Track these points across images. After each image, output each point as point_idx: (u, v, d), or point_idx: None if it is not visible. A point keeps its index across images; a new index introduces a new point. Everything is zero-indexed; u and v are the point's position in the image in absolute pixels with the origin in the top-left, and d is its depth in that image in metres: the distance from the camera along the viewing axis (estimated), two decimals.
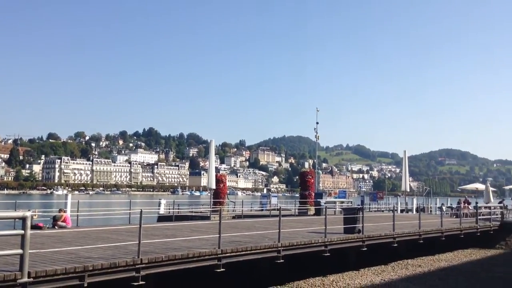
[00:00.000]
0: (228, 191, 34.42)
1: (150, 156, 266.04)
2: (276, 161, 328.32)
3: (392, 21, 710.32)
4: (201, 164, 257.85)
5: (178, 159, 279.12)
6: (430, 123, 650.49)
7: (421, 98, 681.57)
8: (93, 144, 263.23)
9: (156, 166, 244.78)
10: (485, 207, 29.01)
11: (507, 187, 68.45)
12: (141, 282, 9.33)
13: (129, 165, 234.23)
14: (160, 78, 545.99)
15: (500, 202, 34.59)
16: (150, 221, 23.22)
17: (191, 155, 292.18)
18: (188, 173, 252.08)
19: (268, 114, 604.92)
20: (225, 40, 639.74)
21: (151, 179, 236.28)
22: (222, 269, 10.96)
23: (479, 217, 24.38)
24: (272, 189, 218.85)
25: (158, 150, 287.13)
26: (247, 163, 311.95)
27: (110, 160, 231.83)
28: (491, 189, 38.90)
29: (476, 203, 28.87)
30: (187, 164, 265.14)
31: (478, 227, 23.16)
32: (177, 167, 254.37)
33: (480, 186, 41.37)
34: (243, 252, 11.56)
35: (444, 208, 31.69)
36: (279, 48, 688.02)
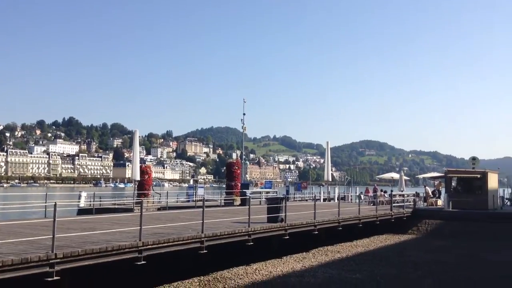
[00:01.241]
0: (153, 183, 33.73)
1: (70, 147, 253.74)
2: (204, 152, 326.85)
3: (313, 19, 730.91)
4: (126, 155, 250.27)
5: (101, 150, 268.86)
6: (352, 116, 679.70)
7: (343, 92, 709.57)
8: (7, 134, 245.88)
9: (77, 158, 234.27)
10: (399, 195, 30.86)
11: (421, 176, 73.21)
12: (55, 278, 8.90)
13: (47, 156, 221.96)
14: (81, 64, 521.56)
15: (416, 193, 36.90)
16: (69, 215, 22.23)
17: (115, 146, 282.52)
18: (112, 164, 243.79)
19: (196, 104, 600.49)
20: (153, 29, 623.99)
21: (72, 171, 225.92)
22: (143, 262, 10.73)
23: (393, 205, 25.91)
24: (199, 180, 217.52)
25: (80, 140, 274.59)
26: (175, 154, 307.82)
27: (27, 151, 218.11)
28: (405, 178, 41.47)
29: (391, 191, 30.59)
30: (110, 155, 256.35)
31: (393, 214, 24.60)
32: (100, 159, 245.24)
33: (396, 175, 43.82)
34: (165, 244, 11.39)
35: (362, 196, 33.28)
36: (208, 39, 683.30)
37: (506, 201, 38.04)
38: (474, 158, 32.11)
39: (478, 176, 28.11)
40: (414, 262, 16.56)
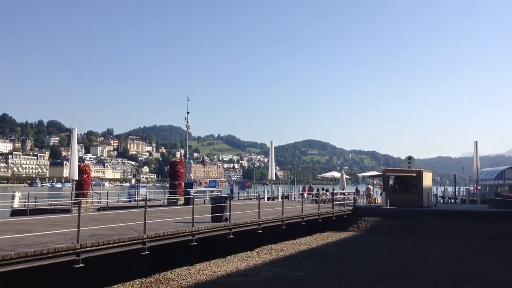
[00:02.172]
0: (93, 182, 32.58)
1: (3, 145, 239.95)
2: (147, 151, 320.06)
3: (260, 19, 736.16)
4: (64, 153, 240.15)
5: (37, 149, 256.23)
6: (296, 116, 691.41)
7: (287, 92, 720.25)
8: None
9: (10, 156, 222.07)
10: (341, 194, 31.71)
11: (360, 175, 75.57)
12: None
13: None
14: (15, 58, 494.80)
15: (356, 189, 38.11)
16: (2, 216, 21.04)
17: (52, 144, 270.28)
18: (48, 163, 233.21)
19: (138, 102, 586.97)
20: (92, 22, 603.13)
21: (5, 170, 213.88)
22: (81, 265, 10.31)
23: (335, 203, 26.57)
24: (142, 180, 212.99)
25: (13, 138, 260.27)
26: (116, 152, 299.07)
27: None
28: (346, 176, 42.65)
29: (333, 189, 31.37)
30: (47, 154, 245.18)
31: (334, 212, 25.21)
32: (36, 157, 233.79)
33: (337, 174, 44.99)
34: (105, 246, 11.01)
35: (305, 194, 33.86)
36: (150, 34, 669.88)
37: (439, 198, 40.10)
38: (410, 158, 33.56)
39: (414, 174, 29.39)
40: (354, 258, 17.05)
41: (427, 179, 30.36)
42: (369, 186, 36.95)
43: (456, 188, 46.42)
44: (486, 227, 23.71)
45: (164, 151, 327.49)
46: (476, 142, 35.85)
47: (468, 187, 46.88)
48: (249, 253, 17.67)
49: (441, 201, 41.50)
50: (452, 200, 43.64)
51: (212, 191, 34.58)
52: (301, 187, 42.47)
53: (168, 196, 29.23)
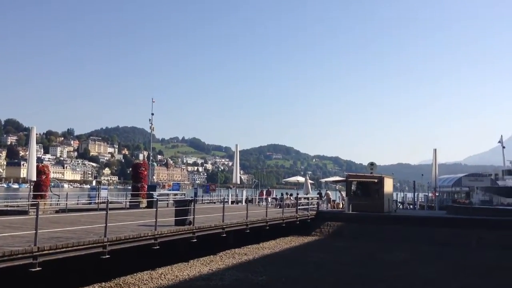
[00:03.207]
0: (51, 183, 31.56)
1: None
2: (109, 152, 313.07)
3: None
4: (21, 153, 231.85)
5: None
6: (261, 120, 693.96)
7: (252, 96, 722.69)
8: None
9: None
10: (304, 198, 31.97)
11: (323, 180, 76.37)
12: None
13: None
14: None
15: (318, 193, 38.53)
16: None
17: (9, 143, 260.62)
18: (5, 163, 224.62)
19: (100, 102, 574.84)
20: (53, 22, 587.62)
21: None
22: (38, 268, 9.94)
23: (299, 207, 26.75)
24: (103, 181, 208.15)
25: None
26: (76, 153, 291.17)
27: None
28: (309, 181, 43.06)
29: (297, 194, 31.58)
30: (4, 153, 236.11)
31: (298, 216, 25.37)
32: None
33: (301, 179, 45.32)
34: (64, 249, 10.65)
35: (269, 199, 33.96)
36: (116, 35, 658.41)
37: (399, 204, 41.04)
38: (372, 164, 34.23)
39: (376, 180, 29.95)
40: (317, 262, 17.20)
41: (388, 185, 31.02)
42: (328, 191, 37.42)
43: (415, 194, 47.67)
44: (444, 233, 24.40)
45: (127, 152, 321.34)
46: (435, 150, 36.92)
47: (426, 194, 48.24)
48: (212, 257, 17.53)
49: (401, 207, 42.48)
50: (411, 206, 44.78)
51: (175, 194, 34.20)
52: (258, 192, 42.56)
53: (130, 199, 28.62)
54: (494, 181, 44.16)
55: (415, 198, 47.06)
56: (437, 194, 41.37)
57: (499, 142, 54.11)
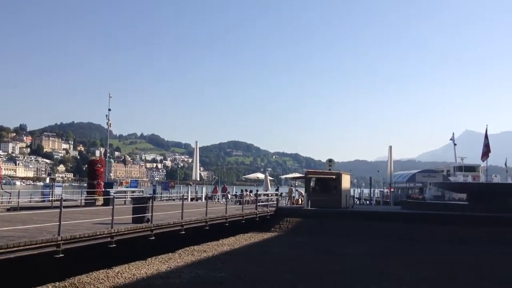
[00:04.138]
0: (3, 181, 30.28)
1: None
2: (63, 149, 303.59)
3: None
4: None
5: None
6: (221, 117, 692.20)
7: (213, 92, 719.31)
8: None
9: None
10: (264, 195, 32.11)
11: (283, 176, 77.13)
12: None
13: None
14: None
15: (276, 190, 38.81)
16: None
17: None
18: None
19: (54, 97, 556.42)
20: (8, 13, 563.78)
21: None
22: None
23: (258, 204, 26.85)
24: (57, 179, 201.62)
25: None
26: (29, 149, 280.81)
27: None
28: (269, 178, 43.30)
29: (257, 191, 31.69)
30: None
31: (257, 213, 25.47)
32: None
33: (261, 176, 45.51)
34: (15, 248, 10.24)
35: (229, 196, 33.92)
36: (70, 26, 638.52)
37: (356, 200, 41.96)
38: (330, 160, 34.81)
39: (334, 177, 30.48)
40: (276, 258, 17.33)
41: (346, 182, 31.63)
42: (292, 187, 37.77)
43: (372, 190, 48.82)
44: (398, 227, 25.13)
45: (83, 149, 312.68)
46: (390, 147, 37.98)
47: (382, 189, 49.51)
48: (171, 254, 17.34)
49: (358, 202, 43.43)
50: (368, 202, 45.86)
51: (133, 192, 33.62)
52: (212, 189, 42.46)
53: (86, 196, 27.87)
54: (446, 177, 45.85)
55: (372, 194, 48.23)
56: (392, 190, 42.58)
57: (451, 139, 56.25)
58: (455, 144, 54.80)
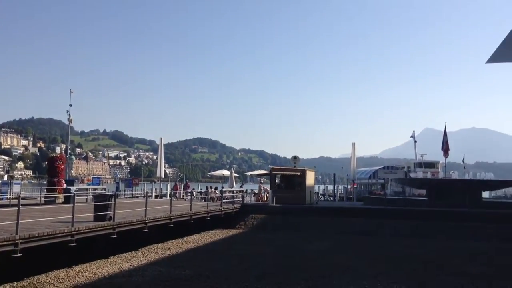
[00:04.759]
0: None
1: None
2: (22, 145, 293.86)
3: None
4: None
5: None
6: (186, 113, 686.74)
7: (178, 89, 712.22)
8: None
9: None
10: (229, 191, 32.10)
11: (248, 173, 77.27)
12: None
13: None
14: None
15: (241, 186, 38.87)
16: None
17: None
18: None
19: (13, 92, 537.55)
20: None
21: None
22: None
23: (224, 201, 26.83)
24: (16, 176, 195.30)
25: None
26: None
27: None
28: (235, 175, 43.34)
29: (222, 187, 31.66)
30: None
31: (223, 209, 25.44)
32: None
33: (226, 172, 45.51)
34: None
35: (194, 192, 33.75)
36: (31, 23, 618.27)
37: (321, 196, 42.55)
38: (295, 157, 35.09)
39: (299, 173, 30.79)
40: (241, 255, 17.35)
41: (310, 178, 32.00)
42: (261, 185, 37.89)
43: (336, 186, 49.61)
44: (360, 223, 25.64)
45: (43, 145, 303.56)
46: (354, 144, 38.65)
47: (346, 186, 50.42)
48: (134, 253, 17.09)
49: (322, 198, 44.05)
50: (332, 198, 46.61)
51: (95, 189, 33.01)
52: (172, 185, 42.14)
53: (46, 194, 27.12)
54: (406, 173, 47.09)
55: (335, 190, 49.01)
56: (355, 186, 43.38)
57: (412, 136, 57.80)
58: (415, 141, 56.37)
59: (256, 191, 36.30)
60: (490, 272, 14.79)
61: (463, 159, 60.71)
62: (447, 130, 39.76)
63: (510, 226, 23.54)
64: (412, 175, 48.52)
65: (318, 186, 47.99)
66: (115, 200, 15.88)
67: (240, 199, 30.44)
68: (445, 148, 38.96)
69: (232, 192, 32.57)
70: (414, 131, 57.42)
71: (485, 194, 35.59)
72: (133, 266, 14.64)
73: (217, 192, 31.73)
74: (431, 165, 52.58)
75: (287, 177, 31.35)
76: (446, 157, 40.01)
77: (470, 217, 24.77)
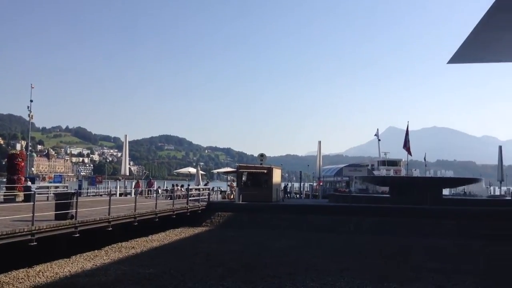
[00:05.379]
0: None
1: None
2: None
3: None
4: None
5: None
6: (153, 110, 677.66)
7: (143, 85, 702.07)
8: None
9: None
10: (196, 189, 31.91)
11: (215, 171, 77.02)
12: None
13: None
14: None
15: (205, 184, 38.68)
16: None
17: None
18: None
19: None
20: None
21: None
22: None
23: (190, 198, 26.65)
24: None
25: None
26: None
27: None
28: (201, 172, 43.09)
29: (188, 185, 31.42)
30: None
31: (189, 207, 25.27)
32: None
33: (193, 170, 45.17)
34: None
35: (160, 190, 33.38)
36: None
37: (287, 194, 42.83)
38: (262, 155, 35.23)
39: (265, 171, 30.91)
40: (206, 253, 17.30)
41: (276, 176, 32.20)
42: (233, 183, 37.77)
43: (302, 184, 50.09)
44: (326, 220, 25.98)
45: (2, 142, 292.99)
46: (320, 142, 39.12)
47: (311, 183, 50.96)
48: (96, 252, 16.80)
49: (288, 196, 44.37)
50: (298, 196, 47.02)
51: (57, 187, 32.19)
52: (155, 183, 41.70)
53: (5, 192, 26.21)
54: (370, 171, 48.06)
55: (301, 187, 49.47)
56: (321, 183, 43.94)
57: (375, 135, 58.96)
58: (379, 140, 57.55)
59: (223, 189, 36.25)
60: (449, 266, 15.29)
61: (425, 157, 62.37)
62: (409, 129, 40.76)
63: (469, 222, 24.36)
64: (376, 173, 49.54)
65: (285, 184, 48.31)
66: (77, 198, 15.52)
67: (207, 197, 30.31)
68: (407, 147, 39.96)
69: (199, 190, 32.39)
70: (378, 129, 58.64)
71: (445, 191, 36.76)
72: (96, 265, 14.37)
73: (183, 190, 31.46)
74: (394, 163, 53.83)
75: (254, 175, 31.43)
76: (409, 155, 41.06)
77: (430, 213, 25.51)
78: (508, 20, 18.07)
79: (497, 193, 45.27)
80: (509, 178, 54.25)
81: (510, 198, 35.78)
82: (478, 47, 22.37)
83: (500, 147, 43.08)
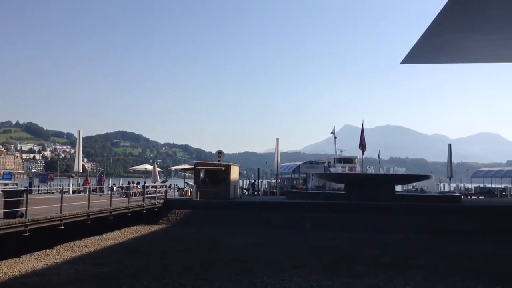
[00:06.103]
0: None
1: None
2: None
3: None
4: None
5: None
6: (108, 106, 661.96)
7: (99, 81, 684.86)
8: None
9: None
10: (152, 186, 31.47)
11: (173, 168, 76.18)
12: None
13: None
14: None
15: (163, 182, 38.23)
16: None
17: None
18: None
19: None
20: None
21: None
22: None
23: (146, 196, 26.25)
24: None
25: None
26: None
27: None
28: (158, 169, 42.52)
29: (144, 182, 30.95)
30: None
31: (145, 205, 24.89)
32: None
33: (150, 167, 44.47)
34: None
35: (115, 188, 32.68)
36: None
37: (245, 191, 42.98)
38: (220, 152, 35.11)
39: (223, 168, 30.85)
40: (162, 251, 17.11)
41: (234, 173, 32.19)
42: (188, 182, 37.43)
43: (260, 181, 50.33)
44: (283, 217, 26.22)
45: None
46: (278, 139, 39.46)
47: (269, 180, 51.30)
48: (48, 251, 16.29)
49: (246, 193, 44.50)
50: (256, 193, 47.22)
51: (6, 184, 30.99)
52: (110, 180, 40.77)
53: None
54: (327, 168, 48.88)
55: (260, 184, 49.70)
56: (279, 180, 44.32)
57: (332, 133, 60.05)
58: (335, 137, 58.69)
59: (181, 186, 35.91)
60: (402, 261, 15.80)
61: (378, 154, 64.08)
62: (364, 127, 41.72)
63: (420, 218, 25.26)
64: (332, 170, 50.46)
65: (243, 181, 48.40)
66: (27, 196, 14.99)
67: (164, 194, 29.94)
68: (363, 145, 40.90)
69: (155, 187, 31.94)
70: (334, 127, 59.77)
71: (398, 187, 37.93)
72: (47, 264, 13.94)
73: (139, 187, 30.94)
74: (349, 160, 55.04)
75: (212, 172, 31.30)
76: (363, 153, 42.04)
77: (383, 209, 26.26)
78: (457, 24, 18.84)
79: (447, 189, 47.14)
80: (458, 175, 56.64)
81: (458, 194, 37.30)
82: (429, 49, 23.22)
83: (450, 145, 44.93)
